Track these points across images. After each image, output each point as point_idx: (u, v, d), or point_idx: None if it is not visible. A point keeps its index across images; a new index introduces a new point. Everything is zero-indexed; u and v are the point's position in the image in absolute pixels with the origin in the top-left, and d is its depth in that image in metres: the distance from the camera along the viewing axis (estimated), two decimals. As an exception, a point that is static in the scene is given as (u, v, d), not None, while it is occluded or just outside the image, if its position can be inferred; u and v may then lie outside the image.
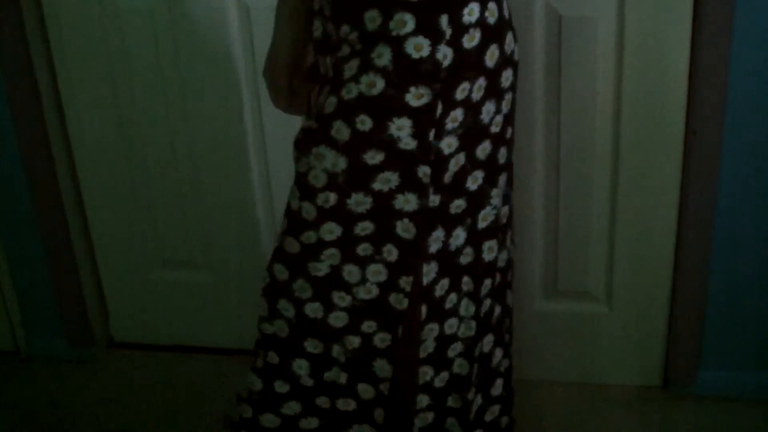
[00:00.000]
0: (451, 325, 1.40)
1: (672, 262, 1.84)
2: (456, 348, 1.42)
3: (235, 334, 2.13)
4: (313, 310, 1.39)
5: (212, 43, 1.87)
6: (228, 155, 1.96)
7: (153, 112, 1.96)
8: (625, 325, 1.92)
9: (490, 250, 1.40)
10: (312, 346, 1.42)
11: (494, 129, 1.32)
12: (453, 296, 1.38)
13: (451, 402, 1.45)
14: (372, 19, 1.21)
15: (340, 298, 1.37)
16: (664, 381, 1.95)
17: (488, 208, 1.37)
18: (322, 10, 1.30)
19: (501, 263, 1.44)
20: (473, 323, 1.41)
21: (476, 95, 1.26)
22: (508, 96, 1.32)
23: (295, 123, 1.87)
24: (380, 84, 1.22)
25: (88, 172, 2.05)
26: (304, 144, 1.33)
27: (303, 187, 1.33)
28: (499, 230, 1.41)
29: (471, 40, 1.22)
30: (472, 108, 1.26)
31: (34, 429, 1.93)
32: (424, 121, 1.24)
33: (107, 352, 2.18)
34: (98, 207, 2.08)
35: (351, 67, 1.24)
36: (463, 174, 1.31)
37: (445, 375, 1.42)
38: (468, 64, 1.23)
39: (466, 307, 1.40)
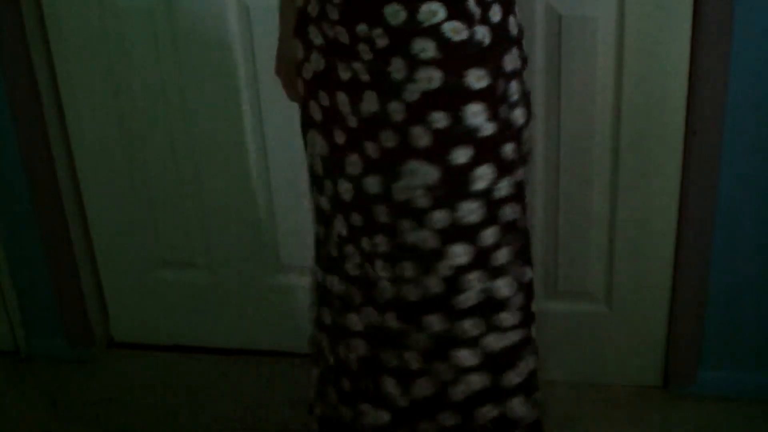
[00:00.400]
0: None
1: (672, 262, 1.84)
2: None
3: (235, 334, 2.13)
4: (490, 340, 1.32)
5: (212, 43, 1.87)
6: (228, 155, 1.96)
7: (153, 112, 1.96)
8: (625, 325, 1.92)
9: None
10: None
11: (530, 97, 1.34)
12: None
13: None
14: (394, 13, 1.19)
15: (502, 320, 1.31)
16: (664, 381, 1.95)
17: None
18: (323, 15, 1.26)
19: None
20: None
21: (517, 65, 1.27)
22: (527, 64, 1.34)
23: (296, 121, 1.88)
24: (437, 75, 1.20)
25: (88, 172, 2.05)
26: (389, 167, 1.25)
27: (415, 216, 1.25)
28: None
29: (495, 14, 1.23)
30: (518, 77, 1.28)
31: (34, 429, 1.93)
32: (494, 99, 1.23)
33: (107, 352, 2.18)
34: (98, 207, 2.08)
35: (398, 69, 1.21)
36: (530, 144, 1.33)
37: None
38: (501, 37, 1.24)
39: None
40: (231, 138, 1.94)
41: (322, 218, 1.39)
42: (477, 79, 1.21)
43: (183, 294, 2.13)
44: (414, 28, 1.19)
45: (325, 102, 1.30)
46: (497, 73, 1.23)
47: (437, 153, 1.22)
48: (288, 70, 1.43)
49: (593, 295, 1.92)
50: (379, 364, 1.36)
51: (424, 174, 1.23)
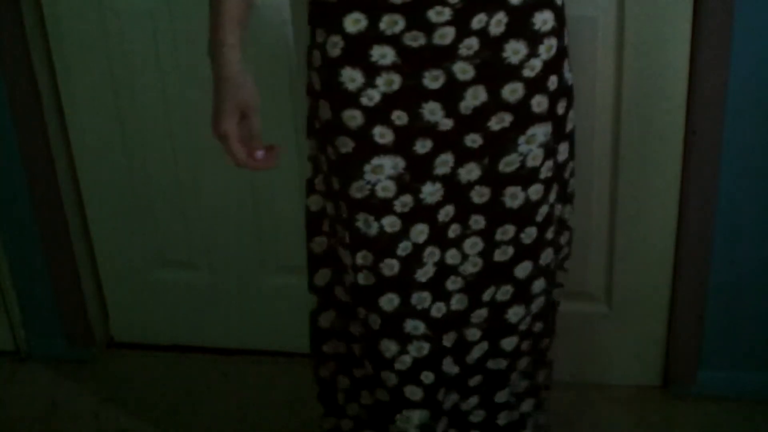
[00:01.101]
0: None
1: (672, 262, 1.84)
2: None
3: (235, 334, 2.13)
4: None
5: (212, 43, 1.86)
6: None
7: (153, 112, 1.96)
8: (625, 325, 1.92)
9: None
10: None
11: None
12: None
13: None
14: None
15: (563, 241, 1.47)
16: (664, 381, 1.95)
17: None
18: (415, 23, 1.20)
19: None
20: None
21: None
22: None
23: (297, 121, 1.88)
24: (555, 42, 1.27)
25: (88, 172, 2.05)
26: (498, 146, 1.28)
27: (525, 177, 1.32)
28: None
29: None
30: None
31: (34, 429, 1.93)
32: (568, 54, 1.34)
33: (107, 352, 2.18)
34: (98, 207, 2.08)
35: (515, 51, 1.24)
36: None
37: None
38: None
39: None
40: (231, 138, 1.94)
41: (379, 242, 1.31)
42: (566, 36, 1.32)
43: (183, 294, 2.13)
44: (535, 3, 1.24)
45: (402, 121, 1.25)
46: (567, 28, 1.33)
47: (550, 110, 1.30)
48: (246, 119, 1.28)
49: (593, 295, 1.92)
50: (443, 351, 1.40)
51: (543, 134, 1.30)
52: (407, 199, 1.29)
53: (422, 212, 1.31)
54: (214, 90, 1.29)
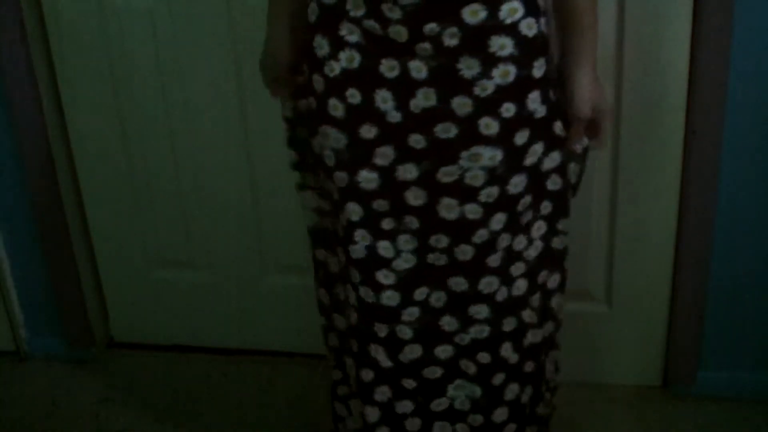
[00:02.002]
0: None
1: (672, 262, 1.84)
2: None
3: (235, 334, 2.13)
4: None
5: (212, 44, 1.87)
6: (228, 155, 1.96)
7: (153, 112, 1.96)
8: (625, 325, 1.92)
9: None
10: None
11: None
12: None
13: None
14: (473, 12, 1.21)
15: (513, 271, 1.41)
16: (664, 381, 1.95)
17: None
18: (372, 13, 1.24)
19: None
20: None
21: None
22: None
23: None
24: (513, 70, 1.25)
25: (88, 172, 2.05)
26: (441, 154, 1.30)
27: (464, 194, 1.32)
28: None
29: (545, 3, 1.30)
30: (553, 60, 1.34)
31: (34, 429, 1.93)
32: (546, 84, 1.30)
33: (107, 352, 2.18)
34: (98, 207, 2.08)
35: (469, 66, 1.24)
36: None
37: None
38: (548, 24, 1.31)
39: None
40: (231, 138, 1.94)
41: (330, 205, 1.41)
42: (539, 68, 1.28)
43: (183, 294, 2.13)
44: (493, 27, 1.23)
45: (355, 99, 1.29)
46: (549, 58, 1.30)
47: (503, 137, 1.28)
48: (280, 68, 1.45)
49: (593, 294, 1.92)
50: (373, 337, 1.41)
51: (489, 157, 1.29)
52: (343, 175, 1.33)
53: (356, 193, 1.34)
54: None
